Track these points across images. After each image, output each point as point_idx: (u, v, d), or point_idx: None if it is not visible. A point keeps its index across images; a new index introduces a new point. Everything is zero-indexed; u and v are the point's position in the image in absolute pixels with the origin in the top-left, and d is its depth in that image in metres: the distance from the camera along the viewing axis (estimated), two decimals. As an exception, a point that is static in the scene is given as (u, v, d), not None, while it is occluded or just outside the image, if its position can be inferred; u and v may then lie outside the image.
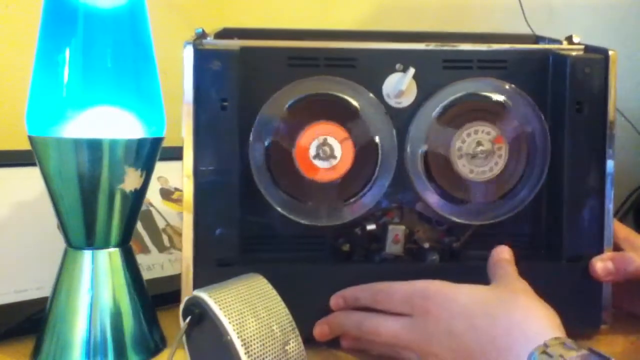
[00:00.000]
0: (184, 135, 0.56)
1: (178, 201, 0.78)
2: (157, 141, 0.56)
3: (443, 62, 0.60)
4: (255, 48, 0.58)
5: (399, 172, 0.59)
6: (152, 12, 0.57)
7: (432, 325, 0.49)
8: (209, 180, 0.57)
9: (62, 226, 0.55)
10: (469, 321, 0.47)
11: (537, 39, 0.66)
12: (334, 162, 0.57)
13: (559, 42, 0.64)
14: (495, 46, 0.61)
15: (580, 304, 0.59)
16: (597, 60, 0.59)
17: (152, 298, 0.58)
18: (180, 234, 0.74)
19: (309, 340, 0.51)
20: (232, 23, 0.65)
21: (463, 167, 0.58)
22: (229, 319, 0.43)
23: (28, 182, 0.66)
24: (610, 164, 0.59)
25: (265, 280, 0.48)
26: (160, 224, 0.76)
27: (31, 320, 0.57)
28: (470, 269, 0.56)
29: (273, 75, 0.58)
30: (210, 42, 0.58)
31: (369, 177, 0.59)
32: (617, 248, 0.60)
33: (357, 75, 0.59)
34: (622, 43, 0.92)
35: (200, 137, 0.56)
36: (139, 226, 0.73)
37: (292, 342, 0.45)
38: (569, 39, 0.63)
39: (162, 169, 0.69)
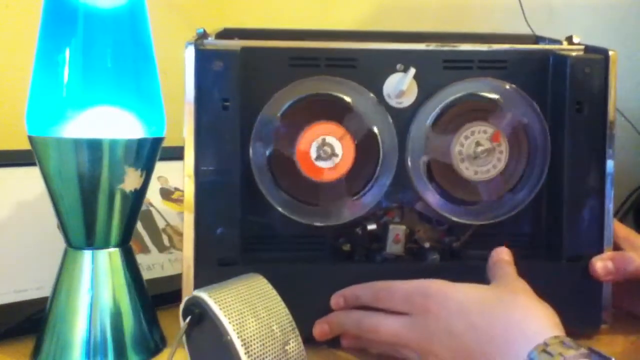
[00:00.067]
0: (185, 135, 0.56)
1: (178, 201, 0.78)
2: (157, 141, 0.56)
3: (443, 63, 0.60)
4: (256, 48, 0.58)
5: (399, 172, 0.59)
6: (152, 12, 0.57)
7: (432, 324, 0.49)
8: (210, 180, 0.57)
9: (62, 226, 0.55)
10: (468, 320, 0.47)
11: (537, 39, 0.66)
12: (336, 160, 0.57)
13: (559, 42, 0.64)
14: (496, 46, 0.61)
15: (580, 304, 0.59)
16: (597, 60, 0.59)
17: (152, 298, 0.58)
18: (180, 234, 0.74)
19: (309, 340, 0.51)
20: (232, 23, 0.65)
21: (467, 170, 0.58)
22: (229, 319, 0.43)
23: (28, 182, 0.66)
24: (610, 164, 0.59)
25: (265, 280, 0.48)
26: (160, 224, 0.76)
27: (31, 320, 0.57)
28: (471, 268, 0.56)
29: (274, 75, 0.58)
30: (211, 43, 0.58)
31: (373, 169, 0.58)
32: (617, 248, 0.60)
33: (358, 75, 0.59)
34: (622, 43, 0.92)
35: (202, 137, 0.56)
36: (139, 226, 0.73)
37: (292, 342, 0.45)
38: (569, 39, 0.63)
39: (162, 169, 0.69)
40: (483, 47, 0.60)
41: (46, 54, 0.53)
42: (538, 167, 0.60)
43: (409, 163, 0.59)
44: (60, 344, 0.53)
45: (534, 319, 0.46)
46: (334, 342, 0.57)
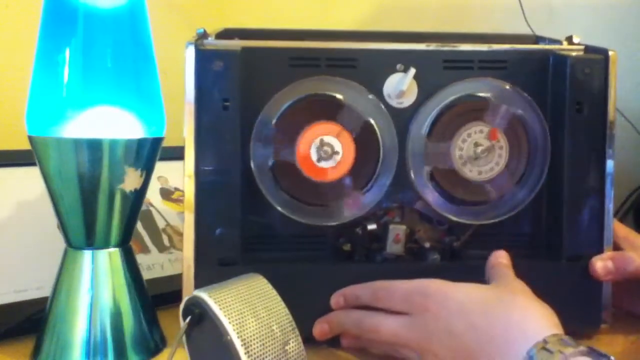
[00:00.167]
0: (186, 135, 0.56)
1: (178, 201, 0.78)
2: (157, 141, 0.56)
3: (444, 63, 0.60)
4: (257, 48, 0.58)
5: (399, 172, 0.59)
6: (152, 12, 0.57)
7: (431, 323, 0.49)
8: (210, 180, 0.57)
9: (62, 226, 0.55)
10: (467, 319, 0.47)
11: (537, 39, 0.66)
12: (337, 158, 0.57)
13: (559, 42, 0.64)
14: (496, 46, 0.61)
15: (580, 304, 0.59)
16: (597, 60, 0.59)
17: (152, 298, 0.58)
18: (180, 234, 0.74)
19: (309, 340, 0.51)
20: (232, 23, 0.65)
21: (470, 172, 0.58)
22: (229, 319, 0.43)
23: (28, 182, 0.66)
24: (610, 164, 0.59)
25: (265, 280, 0.48)
26: (160, 224, 0.76)
27: (31, 320, 0.57)
28: (471, 268, 0.56)
29: (274, 75, 0.58)
30: (211, 43, 0.58)
31: (373, 168, 0.58)
32: (617, 247, 0.60)
33: (358, 75, 0.59)
34: (622, 43, 0.92)
35: (202, 137, 0.56)
36: (139, 226, 0.73)
37: (292, 342, 0.45)
38: (569, 39, 0.63)
39: (162, 169, 0.69)
40: (483, 47, 0.61)
41: (46, 54, 0.53)
42: (538, 167, 0.60)
43: (409, 163, 0.59)
44: (60, 344, 0.53)
45: (533, 319, 0.46)
46: (334, 342, 0.57)
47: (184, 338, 0.46)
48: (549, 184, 0.61)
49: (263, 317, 0.44)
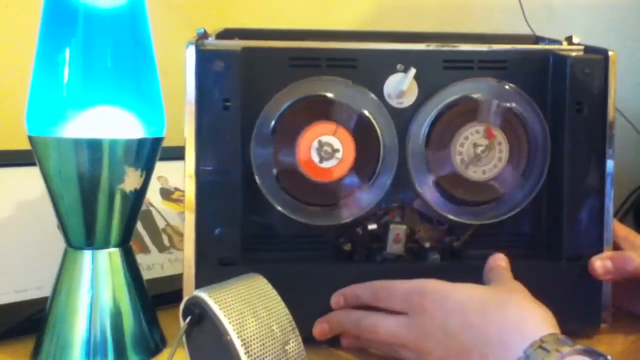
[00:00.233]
0: (186, 135, 0.56)
1: (178, 201, 0.78)
2: (157, 141, 0.56)
3: (444, 63, 0.60)
4: (257, 48, 0.58)
5: (400, 171, 0.59)
6: (152, 12, 0.57)
7: (428, 323, 0.49)
8: (210, 180, 0.57)
9: (62, 226, 0.55)
10: (464, 319, 0.48)
11: (537, 40, 0.66)
12: (339, 155, 0.57)
13: (559, 42, 0.64)
14: (496, 46, 0.61)
15: (580, 303, 0.59)
16: (597, 60, 0.59)
17: (152, 298, 0.58)
18: (180, 234, 0.74)
19: (309, 340, 0.51)
20: (232, 23, 0.65)
21: (475, 173, 0.58)
22: (229, 319, 0.43)
23: (28, 182, 0.66)
24: (610, 164, 0.59)
25: (265, 280, 0.48)
26: (160, 224, 0.76)
27: (31, 320, 0.57)
28: (471, 268, 0.56)
29: (274, 75, 0.58)
30: (212, 43, 0.58)
31: (374, 167, 0.58)
32: (616, 248, 0.60)
33: (358, 75, 0.59)
34: (622, 43, 0.92)
35: (203, 137, 0.56)
36: (139, 226, 0.73)
37: (292, 342, 0.45)
38: (569, 40, 0.63)
39: (162, 169, 0.69)
40: (483, 48, 0.61)
41: (46, 54, 0.53)
42: (538, 167, 0.60)
43: (410, 162, 0.59)
44: (60, 344, 0.53)
45: (530, 318, 0.46)
46: (334, 342, 0.57)
47: (184, 338, 0.46)
48: (549, 184, 0.61)
49: (263, 317, 0.44)
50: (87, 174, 0.52)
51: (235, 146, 0.57)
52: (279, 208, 0.58)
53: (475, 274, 0.54)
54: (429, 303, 0.50)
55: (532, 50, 0.62)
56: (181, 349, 0.46)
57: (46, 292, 0.56)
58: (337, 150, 0.57)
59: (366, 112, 0.58)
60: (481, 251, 0.58)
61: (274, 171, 0.58)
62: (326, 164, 0.57)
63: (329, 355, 0.56)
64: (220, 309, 0.43)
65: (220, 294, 0.44)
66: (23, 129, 0.54)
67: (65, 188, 0.53)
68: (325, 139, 0.57)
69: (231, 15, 1.06)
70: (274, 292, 0.47)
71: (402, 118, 0.59)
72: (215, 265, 0.57)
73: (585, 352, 0.42)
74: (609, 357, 0.41)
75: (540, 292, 0.49)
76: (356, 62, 0.59)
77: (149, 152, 0.55)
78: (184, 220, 0.57)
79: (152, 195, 0.77)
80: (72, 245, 0.55)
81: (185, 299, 0.46)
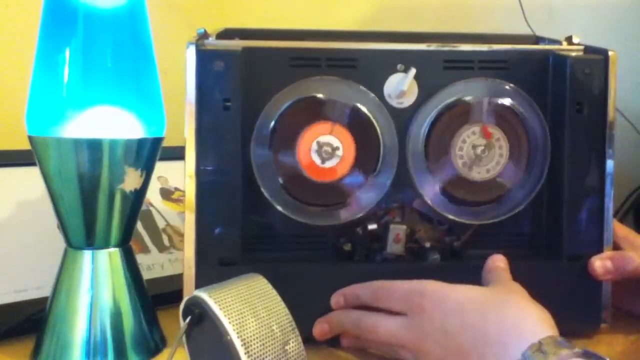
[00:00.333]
0: (187, 135, 0.56)
1: (178, 201, 0.78)
2: (157, 141, 0.56)
3: (444, 63, 0.60)
4: (257, 48, 0.58)
5: (400, 171, 0.59)
6: (152, 12, 0.57)
7: (427, 323, 0.49)
8: (211, 180, 0.57)
9: (62, 226, 0.55)
10: (463, 320, 0.47)
11: (537, 40, 0.66)
12: (339, 152, 0.57)
13: (559, 42, 0.64)
14: (496, 47, 0.61)
15: (580, 303, 0.59)
16: (597, 60, 0.59)
17: (152, 298, 0.58)
18: (180, 234, 0.74)
19: (309, 340, 0.51)
20: (232, 23, 0.65)
21: (479, 174, 0.59)
22: (229, 319, 0.43)
23: (28, 182, 0.66)
24: (610, 164, 0.59)
25: (265, 280, 0.48)
26: (160, 224, 0.76)
27: (31, 320, 0.57)
28: (471, 268, 0.56)
29: (275, 75, 0.58)
30: (212, 43, 0.58)
31: (374, 166, 0.58)
32: (616, 248, 0.60)
33: (359, 75, 0.59)
34: (622, 43, 0.92)
35: (203, 137, 0.56)
36: (139, 226, 0.73)
37: (292, 342, 0.45)
38: (569, 40, 0.63)
39: (162, 169, 0.69)
40: (483, 48, 0.61)
41: (46, 54, 0.53)
42: (538, 167, 0.60)
43: (410, 162, 0.59)
44: (60, 344, 0.53)
45: (528, 320, 0.46)
46: (334, 342, 0.57)
47: (184, 338, 0.46)
48: (549, 184, 0.61)
49: (263, 317, 0.44)
50: (87, 174, 0.52)
51: (236, 146, 0.57)
52: (279, 208, 0.58)
53: (475, 274, 0.54)
54: (427, 304, 0.50)
55: (532, 51, 0.62)
56: (181, 349, 0.46)
57: (46, 292, 0.56)
58: (337, 149, 0.57)
59: (359, 105, 0.58)
60: (481, 251, 0.58)
61: (276, 173, 0.58)
62: (329, 164, 0.57)
63: (329, 355, 0.56)
64: (220, 309, 0.43)
65: (220, 294, 0.44)
66: (23, 129, 0.54)
67: (65, 188, 0.53)
68: (323, 139, 0.57)
69: (231, 15, 1.06)
70: (274, 292, 0.47)
71: (402, 118, 0.59)
72: (215, 265, 0.57)
73: (584, 354, 0.42)
74: None
75: (541, 292, 0.49)
76: (356, 62, 0.59)
77: (149, 152, 0.55)
78: (184, 220, 0.57)
79: (152, 195, 0.77)
80: (72, 245, 0.55)
81: (185, 299, 0.46)
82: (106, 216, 0.54)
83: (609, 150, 0.59)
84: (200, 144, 0.56)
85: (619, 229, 0.61)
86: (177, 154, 0.60)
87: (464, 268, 0.59)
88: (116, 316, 0.54)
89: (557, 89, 0.60)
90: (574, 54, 0.60)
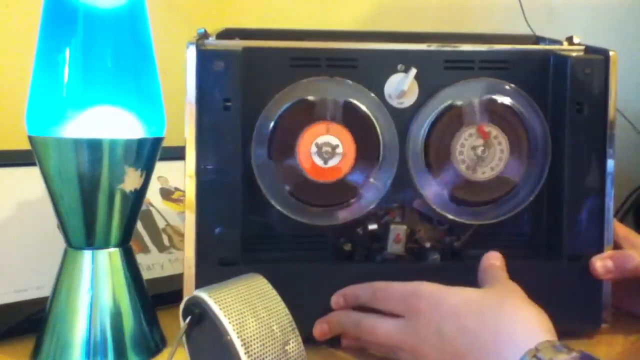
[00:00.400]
0: (187, 135, 0.56)
1: (178, 201, 0.78)
2: (157, 141, 0.56)
3: (444, 63, 0.60)
4: (258, 48, 0.58)
5: (400, 171, 0.59)
6: (152, 12, 0.57)
7: (423, 325, 0.49)
8: (211, 180, 0.57)
9: (62, 226, 0.55)
10: (459, 323, 0.47)
11: (538, 40, 0.66)
12: (340, 150, 0.57)
13: (559, 42, 0.64)
14: (497, 47, 0.61)
15: (580, 303, 0.59)
16: (597, 60, 0.59)
17: (152, 298, 0.58)
18: (180, 234, 0.74)
19: (309, 340, 0.51)
20: (232, 23, 0.65)
21: (483, 174, 0.59)
22: (229, 319, 0.43)
23: (28, 182, 0.66)
24: (610, 164, 0.59)
25: (265, 280, 0.48)
26: (160, 223, 0.76)
27: (31, 320, 0.57)
28: (471, 268, 0.56)
29: (275, 75, 0.58)
30: (212, 43, 0.58)
31: (375, 160, 0.58)
32: (617, 247, 0.60)
33: (359, 75, 0.59)
34: (622, 43, 0.92)
35: (203, 137, 0.56)
36: (139, 226, 0.73)
37: (292, 342, 0.45)
38: (570, 40, 0.63)
39: (162, 169, 0.69)
40: (484, 48, 0.61)
41: (46, 54, 0.53)
42: (538, 167, 0.60)
43: (410, 162, 0.59)
44: (60, 344, 0.53)
45: (524, 323, 0.46)
46: (333, 342, 0.57)
47: (184, 338, 0.46)
48: (549, 184, 0.61)
49: (263, 317, 0.44)
50: (87, 174, 0.52)
51: (236, 146, 0.57)
52: (279, 208, 0.58)
53: (475, 274, 0.54)
54: (424, 306, 0.50)
55: (533, 51, 0.62)
56: (181, 349, 0.46)
57: (46, 292, 0.56)
58: (336, 147, 0.57)
59: (351, 99, 0.58)
60: (481, 251, 0.58)
61: (281, 181, 0.58)
62: (331, 163, 0.57)
63: (329, 355, 0.56)
64: (220, 309, 0.43)
65: (220, 294, 0.44)
66: (23, 129, 0.54)
67: (65, 188, 0.53)
68: (321, 139, 0.57)
69: (231, 15, 1.06)
70: (274, 292, 0.47)
71: (403, 118, 0.59)
72: (215, 265, 0.57)
73: (582, 358, 0.41)
74: None
75: (541, 292, 0.49)
76: (356, 62, 0.59)
77: (149, 152, 0.55)
78: (184, 220, 0.57)
79: (152, 195, 0.76)
80: (72, 245, 0.55)
81: (185, 299, 0.46)
82: (106, 216, 0.54)
83: (609, 150, 0.59)
84: (200, 144, 0.56)
85: (619, 229, 0.61)
86: (177, 154, 0.60)
87: (464, 268, 0.59)
88: (116, 316, 0.54)
89: (558, 89, 0.60)
90: (574, 54, 0.60)
